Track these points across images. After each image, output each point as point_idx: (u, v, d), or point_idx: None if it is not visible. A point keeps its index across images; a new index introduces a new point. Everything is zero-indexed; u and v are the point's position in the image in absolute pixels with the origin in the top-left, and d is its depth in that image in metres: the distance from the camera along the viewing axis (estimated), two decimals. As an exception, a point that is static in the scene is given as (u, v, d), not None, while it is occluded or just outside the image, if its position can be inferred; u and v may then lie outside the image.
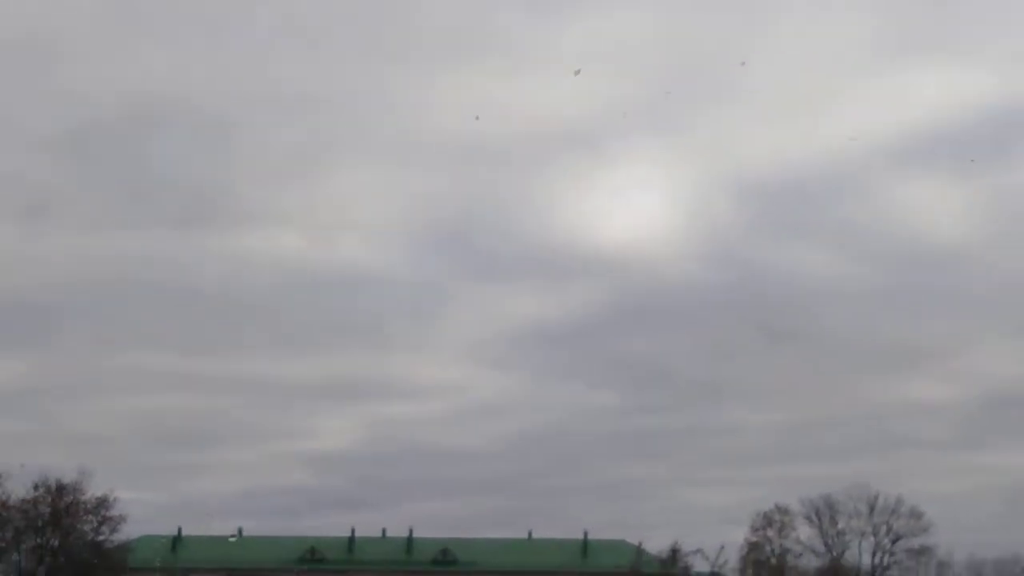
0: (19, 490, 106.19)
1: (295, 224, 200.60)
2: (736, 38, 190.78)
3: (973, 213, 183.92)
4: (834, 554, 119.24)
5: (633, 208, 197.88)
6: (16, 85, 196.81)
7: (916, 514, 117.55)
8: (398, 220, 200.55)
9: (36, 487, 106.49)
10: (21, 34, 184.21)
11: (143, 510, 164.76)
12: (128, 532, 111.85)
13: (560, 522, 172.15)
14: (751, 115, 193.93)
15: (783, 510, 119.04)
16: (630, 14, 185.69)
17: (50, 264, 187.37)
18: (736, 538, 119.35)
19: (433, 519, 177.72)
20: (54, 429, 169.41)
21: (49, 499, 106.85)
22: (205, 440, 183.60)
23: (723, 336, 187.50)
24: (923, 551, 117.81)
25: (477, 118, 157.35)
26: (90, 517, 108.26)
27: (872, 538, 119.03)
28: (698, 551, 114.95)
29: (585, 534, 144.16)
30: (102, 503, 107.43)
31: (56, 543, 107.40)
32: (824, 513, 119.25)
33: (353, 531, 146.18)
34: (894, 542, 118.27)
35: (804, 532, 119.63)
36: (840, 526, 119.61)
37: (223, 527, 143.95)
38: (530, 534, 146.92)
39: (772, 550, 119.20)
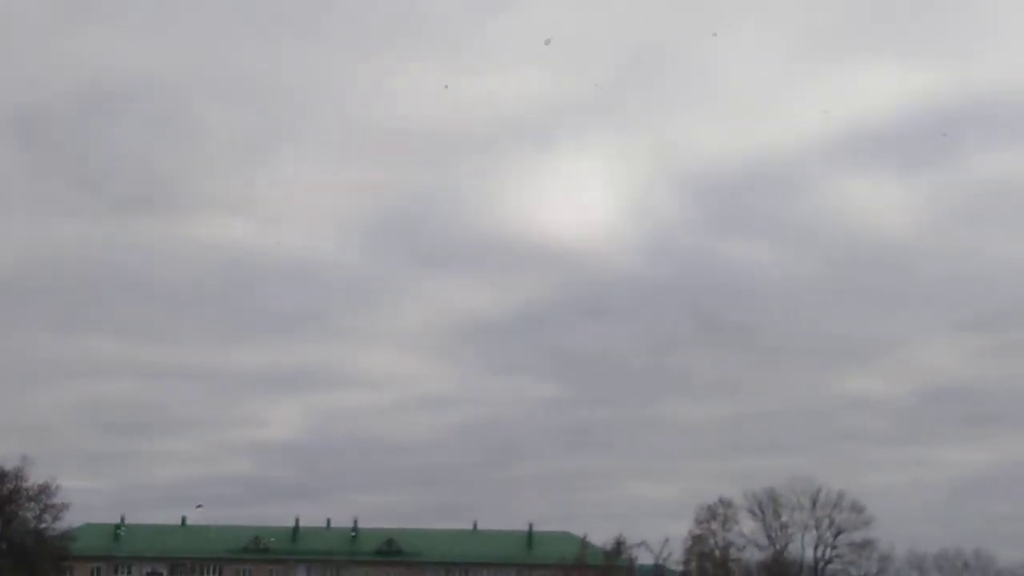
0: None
1: (242, 212, 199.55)
2: (684, 34, 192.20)
3: (916, 209, 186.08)
4: (777, 547, 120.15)
5: (579, 201, 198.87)
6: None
7: (858, 508, 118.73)
8: (345, 210, 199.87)
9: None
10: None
11: (86, 498, 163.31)
12: (70, 520, 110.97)
13: (505, 514, 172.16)
14: (697, 110, 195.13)
15: (726, 503, 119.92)
16: (581, 6, 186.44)
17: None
18: (680, 531, 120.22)
19: (378, 510, 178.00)
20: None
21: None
22: (149, 428, 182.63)
23: (667, 329, 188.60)
24: (865, 544, 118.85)
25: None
26: (32, 505, 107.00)
27: (815, 531, 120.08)
28: (642, 543, 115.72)
29: (530, 526, 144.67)
30: (44, 491, 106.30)
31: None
32: (767, 506, 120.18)
33: (297, 521, 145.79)
34: (836, 535, 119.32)
35: (747, 525, 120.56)
36: (783, 519, 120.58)
37: (166, 516, 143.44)
38: (475, 525, 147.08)
39: (716, 543, 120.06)
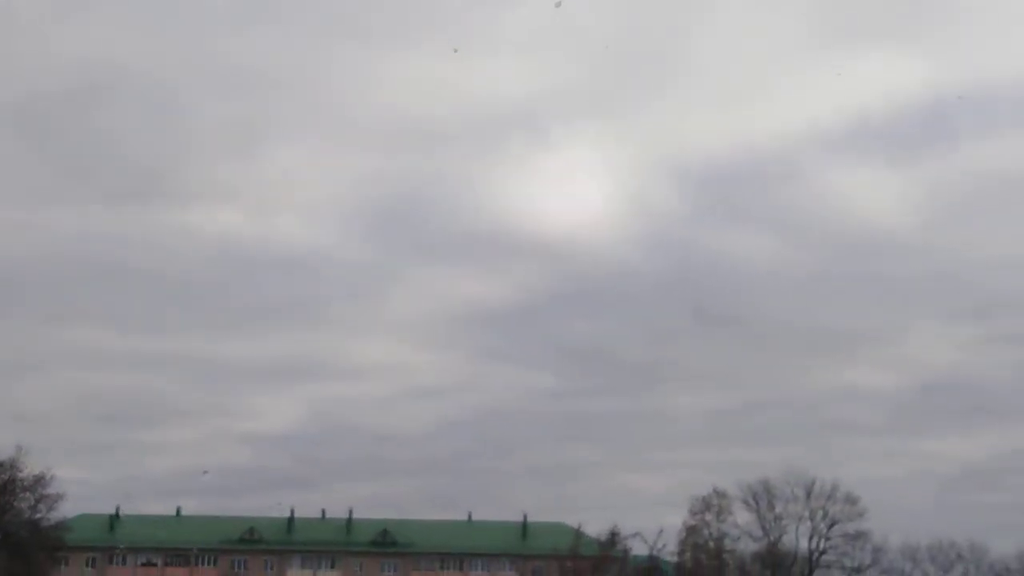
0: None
1: (235, 201, 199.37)
2: (679, 24, 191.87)
3: (911, 199, 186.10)
4: (771, 538, 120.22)
5: (574, 192, 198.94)
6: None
7: (852, 499, 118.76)
8: (339, 199, 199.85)
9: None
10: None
11: (81, 488, 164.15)
12: (65, 511, 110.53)
13: (499, 504, 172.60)
14: (692, 101, 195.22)
15: (721, 494, 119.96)
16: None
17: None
18: (674, 521, 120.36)
19: (372, 500, 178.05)
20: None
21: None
22: (144, 419, 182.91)
23: (662, 320, 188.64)
24: (858, 536, 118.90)
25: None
26: (27, 495, 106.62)
27: (809, 523, 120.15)
28: (637, 534, 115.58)
29: (524, 516, 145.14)
30: (39, 481, 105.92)
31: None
32: (762, 497, 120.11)
33: (292, 512, 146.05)
34: (830, 527, 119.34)
35: (742, 516, 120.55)
36: (777, 510, 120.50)
37: (161, 506, 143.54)
38: (470, 516, 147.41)
39: (710, 534, 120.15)
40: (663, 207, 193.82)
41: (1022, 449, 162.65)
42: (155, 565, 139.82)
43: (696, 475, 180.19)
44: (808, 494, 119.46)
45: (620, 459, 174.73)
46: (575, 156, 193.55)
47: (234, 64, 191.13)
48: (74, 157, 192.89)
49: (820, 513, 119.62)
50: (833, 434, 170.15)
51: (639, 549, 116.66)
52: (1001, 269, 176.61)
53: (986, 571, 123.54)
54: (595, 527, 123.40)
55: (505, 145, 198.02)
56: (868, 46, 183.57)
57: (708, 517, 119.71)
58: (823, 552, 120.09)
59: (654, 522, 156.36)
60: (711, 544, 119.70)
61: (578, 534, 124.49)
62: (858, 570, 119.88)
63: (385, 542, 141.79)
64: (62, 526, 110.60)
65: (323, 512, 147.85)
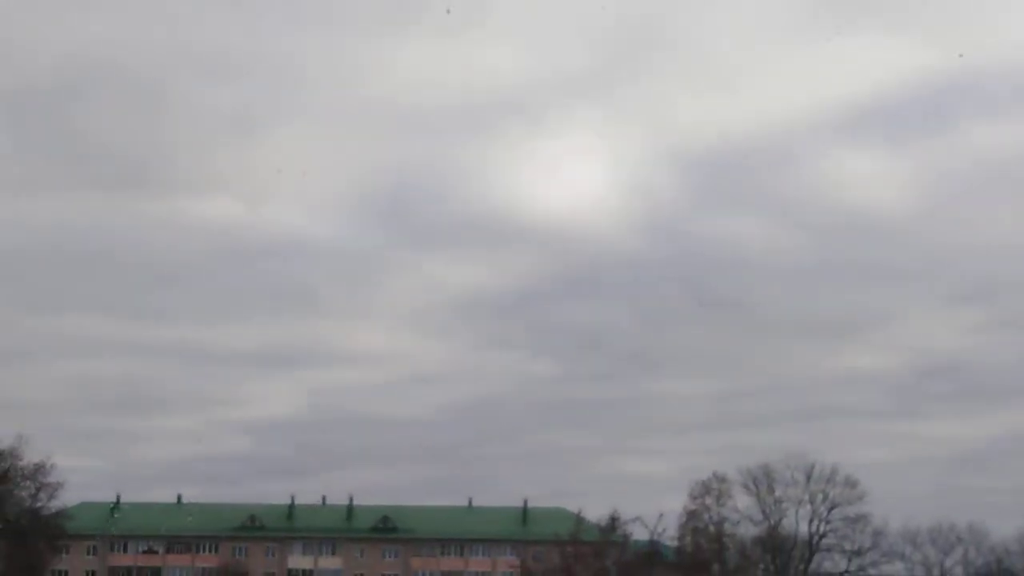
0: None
1: (230, 189, 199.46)
2: (676, 8, 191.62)
3: (909, 183, 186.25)
4: (771, 522, 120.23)
5: (572, 178, 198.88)
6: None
7: (851, 482, 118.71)
8: (334, 187, 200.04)
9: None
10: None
11: (81, 476, 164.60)
12: (66, 499, 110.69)
13: (500, 490, 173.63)
14: (690, 87, 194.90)
15: (721, 478, 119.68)
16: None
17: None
18: (675, 506, 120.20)
19: (373, 487, 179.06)
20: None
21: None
22: (144, 407, 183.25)
23: (661, 306, 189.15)
24: (859, 519, 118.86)
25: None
26: (27, 483, 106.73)
27: (809, 506, 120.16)
28: (637, 519, 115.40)
29: (525, 502, 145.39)
30: (39, 469, 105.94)
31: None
32: (761, 481, 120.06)
33: (293, 499, 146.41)
34: (830, 510, 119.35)
35: (742, 500, 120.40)
36: (777, 494, 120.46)
37: (162, 494, 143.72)
38: (470, 502, 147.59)
39: (710, 518, 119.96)
40: (661, 193, 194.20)
41: (1022, 433, 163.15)
42: (156, 552, 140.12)
43: (696, 460, 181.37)
44: (808, 478, 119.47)
45: (620, 444, 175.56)
46: (573, 142, 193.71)
47: (225, 52, 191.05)
48: (69, 147, 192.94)
49: (820, 496, 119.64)
50: (833, 418, 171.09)
51: (639, 534, 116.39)
52: (1000, 253, 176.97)
53: (986, 554, 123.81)
54: (595, 512, 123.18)
55: (502, 131, 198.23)
56: (866, 29, 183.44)
57: (708, 501, 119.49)
58: (823, 535, 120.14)
59: (654, 507, 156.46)
60: (711, 528, 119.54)
61: (578, 519, 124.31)
62: (858, 553, 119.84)
63: (386, 528, 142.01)
64: (63, 514, 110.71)
65: (324, 499, 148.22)
